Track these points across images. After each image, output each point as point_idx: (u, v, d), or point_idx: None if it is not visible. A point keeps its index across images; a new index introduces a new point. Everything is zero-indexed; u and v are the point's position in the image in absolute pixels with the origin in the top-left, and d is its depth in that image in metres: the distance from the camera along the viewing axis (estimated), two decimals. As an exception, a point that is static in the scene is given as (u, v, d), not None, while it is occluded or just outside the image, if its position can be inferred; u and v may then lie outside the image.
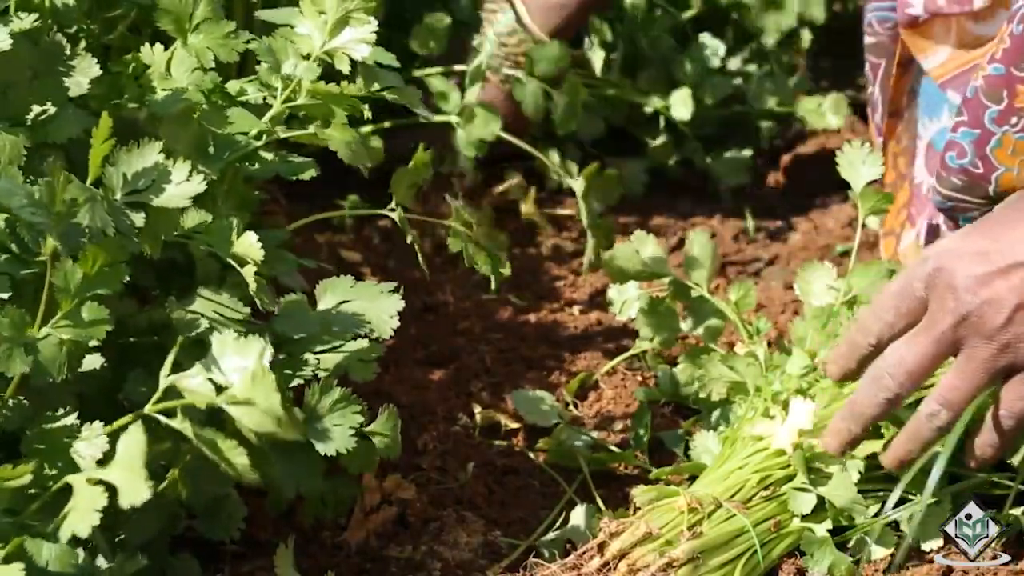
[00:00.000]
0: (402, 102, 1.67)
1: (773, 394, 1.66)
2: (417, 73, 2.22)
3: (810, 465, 1.59)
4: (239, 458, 1.33)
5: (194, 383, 1.33)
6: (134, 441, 1.27)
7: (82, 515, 1.25)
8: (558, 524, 1.65)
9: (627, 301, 1.93)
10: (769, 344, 1.84)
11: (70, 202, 1.33)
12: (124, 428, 1.31)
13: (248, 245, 1.46)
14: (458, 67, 2.23)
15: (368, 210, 1.71)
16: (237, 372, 1.34)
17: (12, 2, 1.52)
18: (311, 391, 1.45)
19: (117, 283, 1.36)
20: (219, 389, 1.34)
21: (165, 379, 1.34)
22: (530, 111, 2.21)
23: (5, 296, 1.34)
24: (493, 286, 1.68)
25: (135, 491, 1.24)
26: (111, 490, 1.25)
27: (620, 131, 2.37)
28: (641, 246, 1.87)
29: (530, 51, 2.20)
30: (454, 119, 2.17)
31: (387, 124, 2.12)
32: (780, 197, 2.36)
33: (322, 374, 1.50)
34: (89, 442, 1.34)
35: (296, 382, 1.49)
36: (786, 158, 2.42)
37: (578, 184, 2.09)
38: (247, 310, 1.48)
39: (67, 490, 1.28)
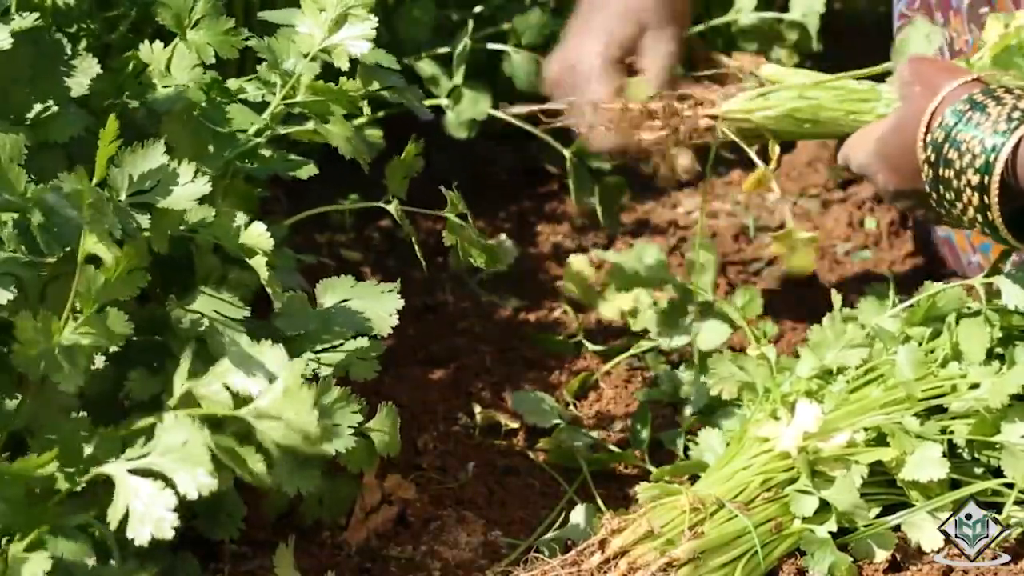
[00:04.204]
0: (401, 101, 1.67)
1: (782, 396, 1.66)
2: (406, 60, 2.21)
3: (814, 468, 1.59)
4: (259, 466, 1.33)
5: (211, 390, 1.33)
6: (183, 426, 1.27)
7: (152, 515, 1.24)
8: (558, 524, 1.65)
9: (642, 313, 1.94)
10: (772, 342, 1.84)
11: (98, 203, 1.33)
12: (142, 431, 1.31)
13: (257, 235, 1.46)
14: (443, 49, 2.23)
15: (365, 206, 1.71)
16: (257, 382, 1.34)
17: (13, 1, 1.52)
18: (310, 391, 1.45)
19: (136, 289, 1.36)
20: (236, 397, 1.34)
21: (181, 385, 1.33)
22: (521, 83, 2.21)
23: (12, 296, 1.34)
24: (483, 267, 1.69)
25: (196, 479, 1.25)
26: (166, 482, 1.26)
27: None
28: (643, 254, 1.88)
29: (514, 21, 2.20)
30: (443, 102, 2.16)
31: (382, 113, 2.12)
32: (780, 197, 2.36)
33: (323, 373, 1.50)
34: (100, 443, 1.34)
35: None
36: (786, 158, 2.42)
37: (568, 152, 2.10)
38: (248, 309, 1.48)
39: (94, 484, 1.29)
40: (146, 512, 1.25)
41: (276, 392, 1.32)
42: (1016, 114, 1.53)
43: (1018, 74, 1.64)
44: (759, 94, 1.75)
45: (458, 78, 2.17)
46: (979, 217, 1.57)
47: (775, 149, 1.77)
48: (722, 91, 1.78)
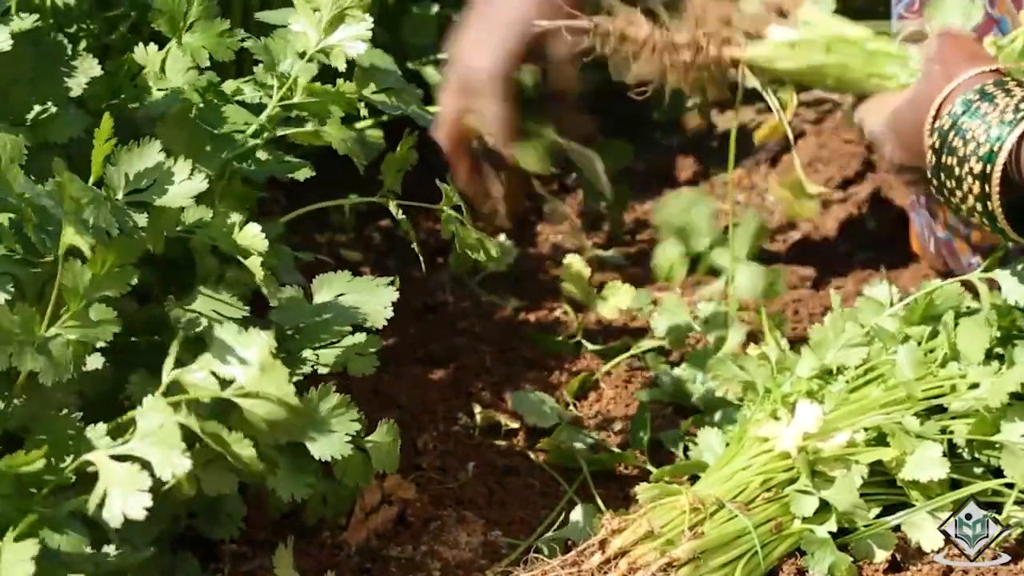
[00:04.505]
0: (399, 103, 1.67)
1: (783, 396, 1.66)
2: (412, 65, 2.21)
3: (814, 468, 1.59)
4: (246, 450, 1.34)
5: (198, 377, 1.34)
6: (159, 411, 1.28)
7: (126, 496, 1.26)
8: (558, 524, 1.65)
9: (673, 264, 1.94)
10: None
11: (82, 200, 1.33)
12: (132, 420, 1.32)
13: (252, 236, 1.47)
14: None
15: (362, 203, 1.72)
16: (241, 366, 1.34)
17: (13, 2, 1.52)
18: (309, 396, 1.44)
19: (125, 284, 1.36)
20: (223, 383, 1.34)
21: (168, 375, 1.34)
22: (528, 91, 2.21)
23: (8, 295, 1.34)
24: (481, 260, 1.69)
25: (172, 462, 1.26)
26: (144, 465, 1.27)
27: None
28: (694, 203, 1.89)
29: None
30: None
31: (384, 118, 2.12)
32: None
33: (322, 369, 1.51)
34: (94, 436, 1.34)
35: (296, 378, 1.49)
36: (785, 158, 2.42)
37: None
38: (246, 308, 1.48)
39: (81, 475, 1.29)
40: (121, 493, 1.26)
41: (253, 370, 1.33)
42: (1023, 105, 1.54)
43: None
44: (787, 43, 1.74)
45: None
46: (978, 206, 1.57)
47: (792, 99, 1.77)
48: (749, 30, 1.77)
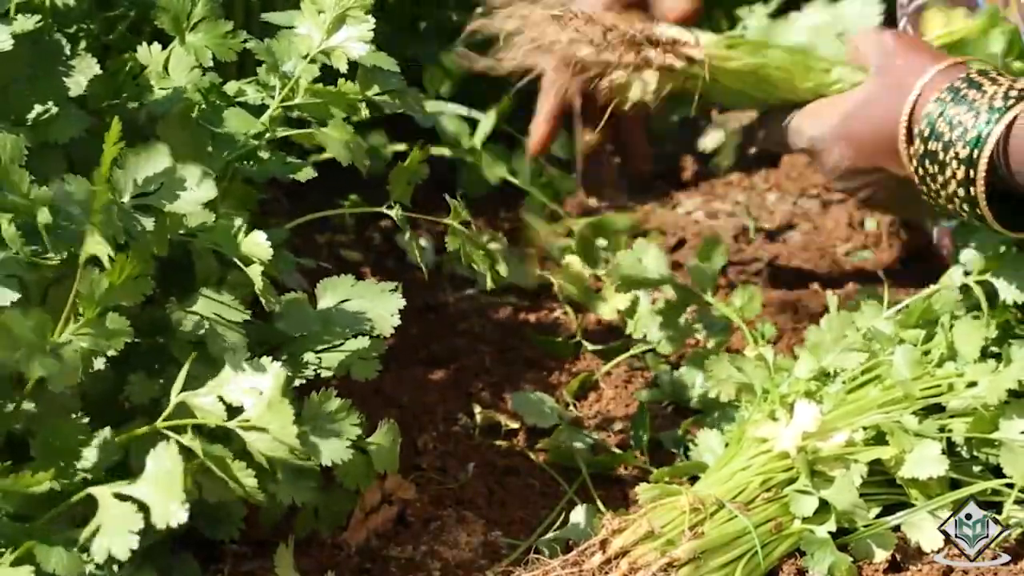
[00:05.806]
0: (401, 106, 1.67)
1: (781, 396, 1.66)
2: (431, 109, 2.22)
3: (813, 468, 1.59)
4: (248, 479, 1.33)
5: (205, 401, 1.33)
6: (168, 458, 1.28)
7: (117, 534, 1.26)
8: (558, 524, 1.65)
9: (641, 318, 1.93)
10: (771, 343, 1.84)
11: (108, 207, 1.33)
12: (138, 439, 1.32)
13: (255, 244, 1.47)
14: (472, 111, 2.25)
15: (368, 211, 1.72)
16: (250, 395, 1.34)
17: (13, 2, 1.52)
18: (310, 401, 1.44)
19: (140, 294, 1.36)
20: (229, 409, 1.34)
21: (176, 395, 1.33)
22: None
23: (15, 297, 1.33)
24: (489, 284, 1.68)
25: (169, 511, 1.26)
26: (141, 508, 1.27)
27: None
28: (643, 254, 1.87)
29: None
30: (467, 158, 2.18)
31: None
32: (780, 197, 2.36)
33: (324, 373, 1.50)
34: (99, 448, 1.34)
35: (298, 382, 1.49)
36: (786, 158, 2.43)
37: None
38: (248, 312, 1.48)
39: (86, 500, 1.29)
40: (113, 532, 1.27)
41: (261, 404, 1.33)
42: (1012, 93, 1.55)
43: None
44: (725, 42, 1.74)
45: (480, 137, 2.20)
46: (960, 191, 1.57)
47: None
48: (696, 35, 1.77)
